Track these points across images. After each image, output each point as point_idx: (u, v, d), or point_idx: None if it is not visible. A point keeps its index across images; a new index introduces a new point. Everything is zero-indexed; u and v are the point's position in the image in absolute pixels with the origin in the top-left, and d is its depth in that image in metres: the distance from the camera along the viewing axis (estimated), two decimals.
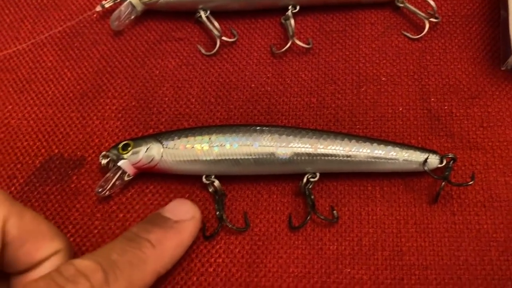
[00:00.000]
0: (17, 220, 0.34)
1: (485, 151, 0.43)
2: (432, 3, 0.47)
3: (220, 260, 0.40)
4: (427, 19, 0.48)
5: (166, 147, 0.41)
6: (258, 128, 0.41)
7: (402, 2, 0.50)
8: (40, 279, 0.32)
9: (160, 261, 0.36)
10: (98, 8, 0.51)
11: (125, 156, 0.42)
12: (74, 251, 0.41)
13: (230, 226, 0.41)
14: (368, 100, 0.46)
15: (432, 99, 0.46)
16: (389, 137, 0.44)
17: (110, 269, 0.33)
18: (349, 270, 0.39)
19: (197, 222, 0.39)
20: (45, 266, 0.35)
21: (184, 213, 0.39)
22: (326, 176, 0.42)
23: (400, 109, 0.45)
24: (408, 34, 0.49)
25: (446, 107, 0.45)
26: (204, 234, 0.41)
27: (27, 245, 0.35)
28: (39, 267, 0.35)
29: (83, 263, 0.33)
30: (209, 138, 0.41)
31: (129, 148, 0.42)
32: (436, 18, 0.48)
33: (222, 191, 0.42)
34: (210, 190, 0.42)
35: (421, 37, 0.49)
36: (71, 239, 0.42)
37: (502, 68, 0.46)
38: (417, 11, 0.49)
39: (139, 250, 0.35)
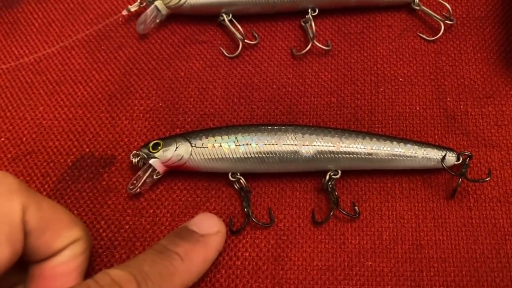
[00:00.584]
0: (36, 209, 0.35)
1: (500, 149, 0.45)
2: (448, 5, 0.49)
3: (247, 254, 0.42)
4: (442, 21, 0.50)
5: (195, 146, 0.43)
6: (282, 127, 0.43)
7: (418, 5, 0.51)
8: (77, 286, 0.33)
9: (188, 274, 0.37)
10: (124, 12, 0.53)
11: (155, 154, 0.43)
12: (107, 246, 0.43)
13: (255, 221, 0.42)
14: (386, 99, 0.48)
15: (448, 99, 0.47)
16: (407, 136, 0.46)
17: (143, 280, 0.34)
18: (370, 263, 0.41)
19: (222, 236, 0.41)
20: (64, 254, 0.36)
21: (210, 227, 0.40)
22: (347, 173, 0.44)
23: (418, 108, 0.47)
24: (424, 36, 0.50)
25: (461, 107, 0.47)
26: (231, 229, 0.43)
27: (47, 234, 0.35)
28: (59, 255, 0.36)
29: (118, 273, 0.34)
30: (236, 137, 0.43)
31: (159, 147, 0.44)
32: (451, 20, 0.50)
33: (247, 188, 0.44)
34: (236, 187, 0.44)
35: (436, 38, 0.50)
36: (103, 234, 0.44)
37: None
38: (433, 13, 0.50)
39: (169, 262, 0.36)
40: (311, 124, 0.47)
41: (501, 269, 0.40)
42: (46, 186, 0.46)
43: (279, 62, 0.51)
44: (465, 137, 0.45)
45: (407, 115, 0.47)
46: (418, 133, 0.46)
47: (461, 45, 0.50)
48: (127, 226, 0.44)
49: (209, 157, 0.43)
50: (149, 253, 0.37)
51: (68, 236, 0.36)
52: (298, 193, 0.44)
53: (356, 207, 0.43)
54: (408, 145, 0.42)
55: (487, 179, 0.42)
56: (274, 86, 0.50)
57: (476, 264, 0.40)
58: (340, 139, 0.42)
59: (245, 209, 0.43)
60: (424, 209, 0.43)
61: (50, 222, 0.36)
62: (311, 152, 0.42)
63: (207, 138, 0.43)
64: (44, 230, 0.35)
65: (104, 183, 0.46)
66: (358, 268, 0.41)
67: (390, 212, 0.43)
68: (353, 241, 0.42)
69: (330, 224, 0.43)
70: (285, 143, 0.42)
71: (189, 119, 0.48)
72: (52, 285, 0.34)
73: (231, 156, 0.43)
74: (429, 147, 0.42)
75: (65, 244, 0.36)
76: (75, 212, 0.45)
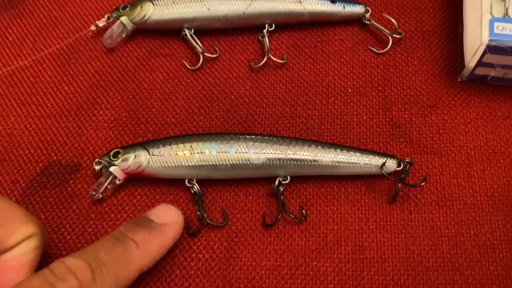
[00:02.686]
0: None
1: (440, 155, 0.48)
2: (393, 21, 0.52)
3: (201, 255, 0.45)
4: (391, 35, 0.53)
5: (152, 154, 0.46)
6: (234, 136, 0.46)
7: (369, 20, 0.54)
8: (34, 277, 0.34)
9: (144, 260, 0.39)
10: (93, 27, 0.56)
11: (115, 162, 0.46)
12: (71, 248, 0.46)
13: (210, 222, 0.45)
14: (335, 109, 0.51)
15: (394, 109, 0.50)
16: (354, 143, 0.49)
17: (98, 267, 0.35)
18: (315, 263, 0.44)
19: (180, 226, 0.43)
20: (18, 249, 0.37)
21: (168, 217, 0.42)
22: (296, 179, 0.47)
23: (365, 117, 0.50)
24: (373, 49, 0.53)
25: (406, 116, 0.50)
26: (188, 232, 0.46)
27: (1, 230, 0.36)
28: (12, 250, 0.37)
29: (73, 261, 0.35)
30: (190, 146, 0.46)
31: (119, 156, 0.46)
32: (399, 34, 0.53)
33: (201, 193, 0.46)
34: (192, 192, 0.47)
35: (385, 51, 0.53)
36: (68, 237, 0.46)
37: (458, 80, 0.51)
38: (382, 28, 0.54)
39: (125, 249, 0.38)
40: (265, 133, 0.50)
41: (437, 268, 0.43)
42: (15, 192, 0.49)
43: (238, 74, 0.54)
44: (408, 144, 0.48)
45: (355, 124, 0.50)
46: (364, 141, 0.49)
47: (408, 57, 0.53)
48: (90, 230, 0.47)
49: (166, 164, 0.46)
50: (106, 240, 0.38)
51: (23, 231, 0.37)
52: (251, 197, 0.47)
53: (303, 210, 0.46)
54: (351, 152, 0.45)
55: (423, 184, 0.45)
56: (233, 97, 0.52)
57: (414, 264, 0.43)
58: (288, 147, 0.45)
59: (198, 212, 0.45)
60: (367, 212, 0.46)
61: (4, 218, 0.37)
62: (261, 159, 0.45)
63: (164, 146, 0.46)
64: None
65: (69, 189, 0.49)
66: (303, 267, 0.44)
67: (335, 215, 0.46)
68: (299, 243, 0.45)
69: (280, 226, 0.45)
70: (236, 150, 0.45)
71: (151, 129, 0.51)
72: (2, 277, 0.35)
73: (186, 163, 0.46)
74: (370, 154, 0.45)
75: (19, 239, 0.37)
76: (42, 216, 0.47)
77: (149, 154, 0.46)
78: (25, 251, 0.38)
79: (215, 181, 0.48)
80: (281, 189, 0.46)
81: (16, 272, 0.35)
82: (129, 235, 0.39)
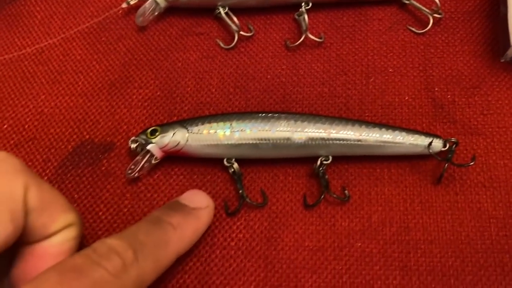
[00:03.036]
0: (37, 190, 0.35)
1: (485, 136, 0.46)
2: (436, 0, 0.51)
3: (241, 235, 0.44)
4: (431, 14, 0.52)
5: (191, 132, 0.45)
6: (275, 115, 0.45)
7: None
8: (76, 255, 0.34)
9: (181, 243, 0.39)
10: (124, 5, 0.54)
11: (153, 140, 0.45)
12: (106, 229, 0.45)
13: (250, 202, 0.44)
14: (376, 90, 0.49)
15: (436, 89, 0.49)
16: (396, 124, 0.47)
17: (139, 248, 0.35)
18: (360, 244, 0.43)
19: (211, 210, 0.43)
20: (57, 238, 0.37)
21: (199, 202, 0.42)
22: (338, 159, 0.46)
23: (406, 98, 0.49)
24: (413, 29, 0.52)
25: (449, 96, 0.49)
26: (227, 211, 0.44)
27: (45, 215, 0.36)
28: (51, 238, 0.37)
29: (115, 242, 0.35)
30: (231, 124, 0.45)
31: (157, 133, 0.45)
32: (439, 14, 0.52)
33: (240, 172, 0.45)
34: (230, 172, 0.46)
35: (425, 31, 0.52)
36: (103, 217, 0.45)
37: (501, 60, 0.50)
38: (422, 7, 0.52)
39: (163, 232, 0.38)
40: (302, 112, 0.49)
41: (485, 251, 0.42)
42: (47, 171, 0.48)
43: (274, 54, 0.52)
44: (452, 125, 0.47)
45: (396, 104, 0.48)
46: (406, 121, 0.48)
47: (449, 38, 0.52)
48: (125, 210, 0.45)
49: (205, 143, 0.45)
50: (143, 223, 0.38)
51: (64, 219, 0.37)
52: (290, 178, 0.46)
53: (346, 191, 0.44)
54: (396, 132, 0.44)
55: (471, 163, 0.43)
56: (269, 76, 0.51)
57: (461, 246, 0.42)
58: (331, 126, 0.44)
59: (240, 191, 0.44)
60: (411, 193, 0.44)
61: (49, 204, 0.37)
62: (303, 138, 0.44)
63: (203, 124, 0.45)
64: (42, 211, 0.36)
65: (103, 168, 0.47)
66: (347, 249, 0.43)
67: (379, 196, 0.44)
68: (343, 223, 0.44)
69: (321, 207, 0.44)
70: (278, 129, 0.44)
71: (186, 108, 0.50)
72: (41, 265, 0.34)
73: (226, 142, 0.44)
74: (416, 134, 0.44)
75: (60, 227, 0.37)
76: (76, 196, 0.46)
77: (188, 132, 0.45)
78: (64, 239, 0.37)
79: (253, 161, 0.47)
80: (323, 169, 0.45)
81: (54, 260, 0.34)
82: (165, 219, 0.39)
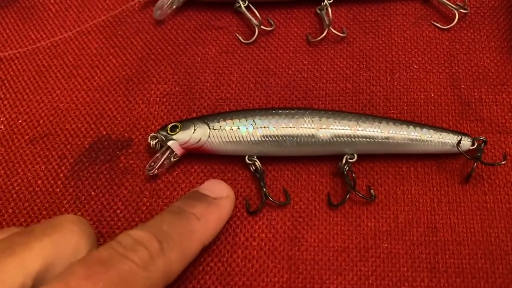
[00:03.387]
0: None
1: None
2: None
3: (263, 235, 0.43)
4: (457, 10, 0.50)
5: (213, 128, 0.44)
6: (299, 111, 0.44)
7: None
8: (102, 248, 0.33)
9: (205, 232, 0.38)
10: None
11: (174, 136, 0.44)
12: (124, 227, 0.44)
13: (272, 200, 0.43)
14: (401, 86, 0.48)
15: (463, 86, 0.48)
16: (422, 121, 0.46)
17: (164, 239, 0.35)
18: (386, 245, 0.41)
19: (232, 200, 0.42)
20: None
21: (220, 191, 0.41)
22: (362, 157, 0.44)
23: (432, 95, 0.47)
24: (438, 24, 0.51)
25: (476, 94, 0.47)
26: (248, 210, 0.43)
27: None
28: None
29: (139, 233, 0.34)
30: (253, 121, 0.43)
31: (178, 130, 0.44)
32: (465, 9, 0.50)
33: (262, 170, 0.44)
34: (252, 169, 0.45)
35: (450, 27, 0.51)
36: (120, 215, 0.44)
37: None
38: (447, 2, 0.51)
39: (187, 222, 0.37)
40: (325, 108, 0.47)
41: None
42: (63, 168, 0.46)
43: (295, 49, 0.51)
44: (479, 123, 0.46)
45: (422, 101, 0.47)
46: (432, 119, 0.46)
47: (475, 33, 0.51)
48: (144, 208, 0.44)
49: (227, 139, 0.43)
50: (166, 214, 0.38)
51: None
52: (313, 176, 0.45)
53: (371, 190, 0.43)
54: (424, 130, 0.43)
55: (503, 162, 0.42)
56: (290, 72, 0.50)
57: (491, 247, 0.41)
58: (357, 123, 0.43)
59: (262, 189, 0.43)
60: (439, 193, 0.43)
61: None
62: (328, 135, 0.43)
63: (225, 121, 0.44)
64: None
65: (121, 165, 0.46)
66: (374, 250, 0.41)
67: (406, 195, 0.43)
68: (368, 224, 0.42)
69: (346, 207, 0.43)
70: (302, 126, 0.43)
71: (205, 104, 0.49)
72: None
73: (248, 139, 0.43)
74: (444, 132, 0.43)
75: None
76: (93, 193, 0.45)
77: (209, 128, 0.44)
78: None
79: (275, 159, 0.45)
80: (348, 168, 0.43)
81: None
82: (188, 209, 0.38)
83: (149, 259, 0.33)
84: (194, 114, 0.48)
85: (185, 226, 0.37)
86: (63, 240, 0.34)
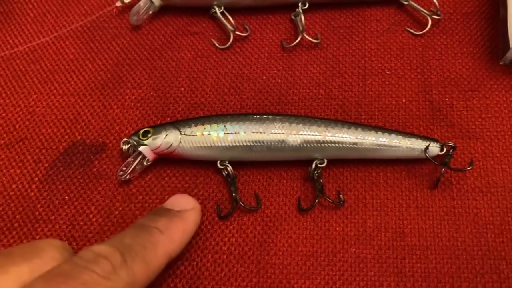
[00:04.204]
0: None
1: (483, 141, 0.46)
2: (435, 1, 0.50)
3: (233, 239, 0.43)
4: (430, 16, 0.51)
5: (184, 133, 0.44)
6: (270, 116, 0.44)
7: (407, 0, 0.52)
8: (63, 263, 0.33)
9: (170, 245, 0.38)
10: (118, 3, 0.54)
11: (145, 142, 0.44)
12: (96, 231, 0.44)
13: (243, 205, 0.43)
14: (373, 92, 0.48)
15: (434, 92, 0.48)
16: (392, 127, 0.47)
17: (126, 251, 0.34)
18: (354, 249, 0.42)
19: (198, 211, 0.41)
20: None
21: (184, 204, 0.41)
22: (333, 162, 0.45)
23: (404, 100, 0.48)
24: (411, 30, 0.51)
25: (447, 99, 0.48)
26: (219, 215, 0.44)
27: None
28: None
29: (101, 248, 0.34)
30: (224, 126, 0.44)
31: (149, 135, 0.44)
32: (438, 15, 0.51)
33: (234, 175, 0.44)
34: (224, 174, 0.45)
35: (424, 33, 0.51)
36: (93, 219, 0.44)
37: (500, 63, 0.49)
38: (421, 8, 0.51)
39: (149, 234, 0.37)
40: (297, 114, 0.48)
41: (482, 257, 0.41)
42: (38, 172, 0.47)
43: (269, 54, 0.52)
44: (450, 128, 0.46)
45: (393, 107, 0.48)
46: (403, 124, 0.47)
47: (447, 39, 0.51)
48: (116, 212, 0.45)
49: (198, 145, 0.44)
50: (128, 230, 0.38)
51: None
52: (285, 181, 0.45)
53: (341, 195, 0.44)
54: (393, 135, 0.43)
55: (469, 168, 0.43)
56: (264, 77, 0.50)
57: (458, 252, 0.41)
58: (326, 129, 0.43)
59: (233, 194, 0.43)
60: (407, 198, 0.44)
61: None
62: (298, 141, 0.43)
63: (196, 126, 0.44)
64: None
65: (95, 169, 0.47)
66: (341, 254, 0.42)
67: (374, 200, 0.44)
68: (337, 228, 0.43)
69: (316, 211, 0.44)
70: (272, 131, 0.43)
71: (180, 108, 0.49)
72: None
73: (219, 144, 0.44)
74: (413, 138, 0.43)
75: None
76: (66, 197, 0.45)
77: (181, 134, 0.44)
78: None
79: (247, 164, 0.46)
80: (318, 173, 0.44)
81: None
82: (151, 224, 0.38)
83: (112, 270, 0.33)
84: (169, 119, 0.49)
85: (148, 238, 0.37)
86: (41, 266, 0.33)
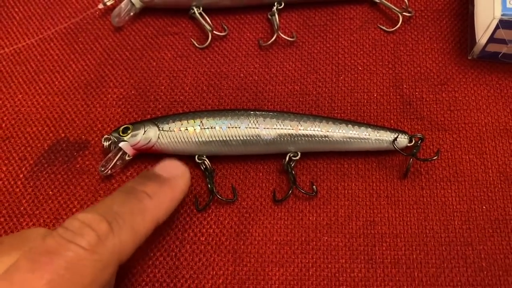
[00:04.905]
0: None
1: (451, 132, 0.47)
2: None
3: (211, 230, 0.45)
4: (401, 13, 0.53)
5: (162, 129, 0.46)
6: (244, 112, 0.46)
7: None
8: (48, 237, 0.33)
9: (158, 211, 0.38)
10: (100, 6, 0.55)
11: (125, 138, 0.46)
12: None
13: (219, 197, 0.45)
14: (346, 87, 0.50)
15: (405, 86, 0.50)
16: (365, 121, 0.48)
17: (113, 219, 0.35)
18: (326, 238, 0.43)
19: (187, 178, 0.42)
20: None
21: (174, 170, 0.42)
22: (307, 155, 0.47)
23: (375, 95, 0.50)
24: (383, 27, 0.53)
25: (417, 93, 0.50)
26: (197, 207, 0.45)
27: None
28: None
29: (87, 216, 0.34)
30: (201, 121, 0.46)
31: (129, 131, 0.46)
32: (409, 12, 0.53)
33: (211, 168, 0.46)
34: (202, 168, 0.47)
35: (395, 30, 0.53)
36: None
37: (469, 58, 0.51)
38: (392, 6, 0.53)
39: (138, 200, 0.37)
40: (272, 109, 0.50)
41: (449, 243, 0.43)
42: (23, 169, 0.48)
43: (247, 53, 0.53)
44: (419, 121, 0.48)
45: (365, 101, 0.49)
46: (375, 118, 0.49)
47: (418, 36, 0.53)
48: None
49: (176, 140, 0.45)
50: (117, 194, 0.38)
51: None
52: (261, 174, 0.47)
53: (314, 186, 0.45)
54: (362, 128, 0.45)
55: (435, 158, 0.44)
56: (242, 74, 0.52)
57: (426, 239, 0.43)
58: (299, 123, 0.45)
59: (209, 186, 0.45)
60: (378, 188, 0.45)
61: None
62: (272, 134, 0.45)
63: (174, 122, 0.46)
64: None
65: (78, 166, 0.48)
66: (314, 242, 0.43)
67: (346, 191, 0.45)
68: (310, 218, 0.44)
69: (290, 202, 0.45)
70: (247, 126, 0.45)
71: (160, 106, 0.51)
72: None
73: (196, 139, 0.45)
74: (382, 130, 0.45)
75: None
76: (50, 192, 0.47)
77: (159, 130, 0.46)
78: None
79: (225, 158, 0.47)
80: (292, 165, 0.46)
81: None
82: (140, 188, 0.38)
83: (97, 241, 0.33)
84: (149, 116, 0.50)
85: (136, 205, 0.37)
86: None
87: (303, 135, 0.45)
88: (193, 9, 0.54)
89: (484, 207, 0.44)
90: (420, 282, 0.41)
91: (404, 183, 0.45)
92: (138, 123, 0.47)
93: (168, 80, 0.52)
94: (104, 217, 0.34)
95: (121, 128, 0.46)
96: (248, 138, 0.45)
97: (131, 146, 0.46)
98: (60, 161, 0.49)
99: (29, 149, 0.49)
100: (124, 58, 0.54)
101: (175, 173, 0.41)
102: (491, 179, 0.45)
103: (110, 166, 0.46)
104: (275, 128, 0.45)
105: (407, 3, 0.52)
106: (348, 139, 0.45)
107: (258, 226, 0.44)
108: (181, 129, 0.46)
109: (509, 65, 0.50)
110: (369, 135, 0.45)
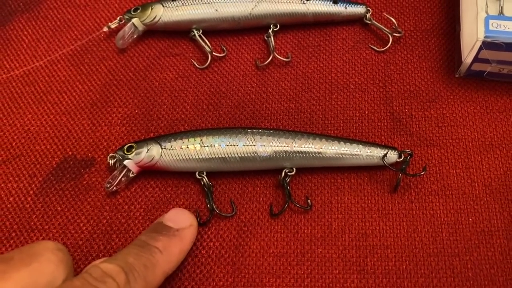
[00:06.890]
0: None
1: (439, 148, 0.50)
2: (393, 20, 0.55)
3: (211, 243, 0.47)
4: (391, 34, 0.55)
5: (164, 147, 0.48)
6: (242, 130, 0.48)
7: (370, 19, 0.57)
8: (76, 279, 0.36)
9: (168, 264, 0.41)
10: (105, 29, 0.58)
11: (129, 156, 0.48)
12: (86, 238, 0.48)
13: (219, 213, 0.47)
14: (338, 105, 0.53)
15: (395, 103, 0.52)
16: (356, 137, 0.51)
17: (130, 271, 0.38)
18: (320, 250, 0.46)
19: (195, 228, 0.45)
20: None
21: (184, 222, 0.44)
22: (302, 170, 0.49)
23: (367, 112, 0.52)
24: (374, 47, 0.56)
25: (406, 110, 0.52)
26: (199, 222, 0.48)
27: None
28: None
29: (107, 266, 0.37)
30: (201, 139, 0.48)
31: (133, 150, 0.49)
32: (399, 32, 0.55)
33: (210, 185, 0.49)
34: (202, 184, 0.49)
35: (386, 49, 0.56)
36: (83, 228, 0.48)
37: (456, 76, 0.53)
38: (382, 27, 0.56)
39: (151, 255, 0.40)
40: (270, 127, 0.52)
41: (437, 254, 0.45)
42: (33, 186, 0.51)
43: (244, 73, 0.56)
44: (409, 137, 0.51)
45: (357, 118, 0.52)
46: (366, 134, 0.51)
47: (408, 55, 0.55)
48: (104, 221, 0.49)
49: (177, 157, 0.48)
50: (131, 247, 0.41)
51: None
52: (258, 189, 0.49)
53: (308, 200, 0.48)
54: (354, 145, 0.47)
55: (422, 173, 0.47)
56: (240, 93, 0.55)
57: (415, 250, 0.45)
58: (294, 140, 0.48)
59: (208, 204, 0.48)
60: (369, 202, 0.48)
61: None
62: (268, 151, 0.47)
63: (175, 140, 0.49)
64: None
65: (84, 182, 0.51)
66: (309, 254, 0.46)
67: (339, 204, 0.48)
68: (305, 231, 0.47)
69: (286, 215, 0.48)
70: (245, 144, 0.48)
71: (162, 125, 0.53)
72: None
73: (196, 156, 0.48)
74: (372, 146, 0.48)
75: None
76: (59, 208, 0.49)
77: (161, 148, 0.48)
78: None
79: (224, 174, 0.50)
80: (287, 181, 0.48)
81: None
82: (152, 243, 0.41)
83: None
84: (152, 134, 0.53)
85: (149, 259, 0.40)
86: (40, 270, 0.37)
87: (298, 151, 0.47)
88: (193, 32, 0.57)
89: (470, 219, 0.46)
90: None
91: (394, 197, 0.48)
92: (141, 142, 0.49)
93: (170, 99, 0.55)
94: (122, 269, 0.37)
95: (125, 147, 0.49)
96: (246, 155, 0.47)
97: (135, 163, 0.49)
98: (68, 178, 0.51)
99: (38, 166, 0.52)
100: (128, 79, 0.57)
101: (184, 225, 0.44)
102: (477, 192, 0.47)
103: (116, 183, 0.49)
104: (271, 146, 0.47)
105: (396, 24, 0.55)
106: (340, 155, 0.47)
107: (256, 239, 0.47)
108: (182, 147, 0.48)
109: (494, 83, 0.52)
110: (360, 151, 0.47)
